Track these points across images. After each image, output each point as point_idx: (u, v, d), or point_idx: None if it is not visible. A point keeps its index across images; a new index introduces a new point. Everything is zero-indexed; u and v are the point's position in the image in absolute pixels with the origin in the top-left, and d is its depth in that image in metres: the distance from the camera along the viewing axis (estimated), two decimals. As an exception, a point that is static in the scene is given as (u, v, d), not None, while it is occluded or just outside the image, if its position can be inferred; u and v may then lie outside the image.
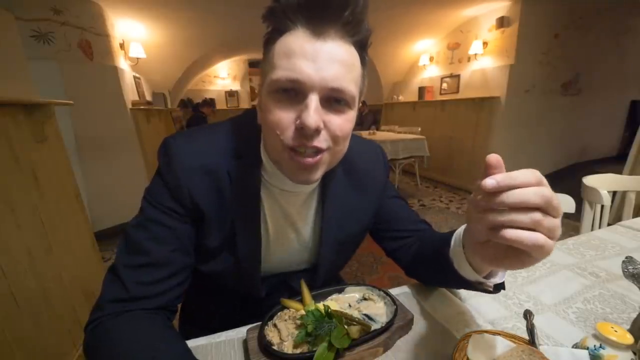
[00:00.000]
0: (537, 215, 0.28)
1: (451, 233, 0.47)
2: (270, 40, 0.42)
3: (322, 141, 0.41)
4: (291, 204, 0.55)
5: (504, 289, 0.45)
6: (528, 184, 0.28)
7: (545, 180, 0.29)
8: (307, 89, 0.38)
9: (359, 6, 0.38)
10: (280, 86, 0.39)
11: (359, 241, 0.64)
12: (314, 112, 0.38)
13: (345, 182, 0.57)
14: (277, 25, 0.40)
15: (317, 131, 0.39)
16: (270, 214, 0.54)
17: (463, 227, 0.43)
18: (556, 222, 0.28)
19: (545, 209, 0.28)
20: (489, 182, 0.28)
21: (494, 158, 0.29)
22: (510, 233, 0.28)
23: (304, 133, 0.39)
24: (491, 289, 0.44)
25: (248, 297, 0.60)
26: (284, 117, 0.40)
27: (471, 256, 0.40)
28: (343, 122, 0.42)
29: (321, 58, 0.38)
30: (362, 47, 0.43)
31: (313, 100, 0.38)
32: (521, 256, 0.30)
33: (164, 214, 0.47)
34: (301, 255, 0.60)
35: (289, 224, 0.56)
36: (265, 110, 0.42)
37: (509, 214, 0.28)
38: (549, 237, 0.28)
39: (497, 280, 0.43)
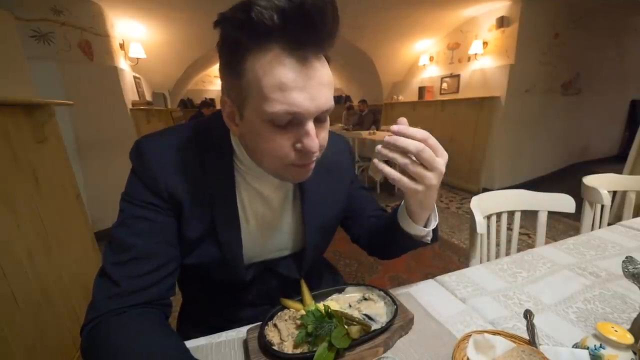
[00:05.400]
0: (407, 161, 0.42)
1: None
2: (240, 49, 0.39)
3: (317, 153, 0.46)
4: (266, 188, 0.56)
5: (436, 240, 0.58)
6: (413, 137, 0.41)
7: (432, 140, 0.42)
8: (305, 118, 0.41)
9: (335, 22, 0.37)
10: (279, 119, 0.40)
11: (336, 225, 0.69)
12: (315, 137, 0.42)
13: (318, 170, 0.56)
14: (249, 37, 0.37)
15: None
16: (248, 199, 0.56)
17: None
18: (421, 171, 0.42)
19: (417, 157, 0.41)
20: (393, 126, 0.43)
21: (402, 119, 0.44)
22: (385, 169, 0.44)
23: (306, 155, 0.44)
24: (429, 242, 0.57)
25: (235, 285, 0.60)
26: (285, 144, 0.43)
27: (407, 207, 0.52)
28: (325, 132, 0.47)
29: (311, 86, 0.39)
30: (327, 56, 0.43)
31: (311, 126, 0.42)
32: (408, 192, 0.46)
33: (144, 209, 0.48)
34: (283, 239, 0.61)
35: (267, 208, 0.57)
36: (261, 136, 0.43)
37: (394, 154, 0.43)
38: (417, 181, 0.43)
39: (432, 226, 0.54)
